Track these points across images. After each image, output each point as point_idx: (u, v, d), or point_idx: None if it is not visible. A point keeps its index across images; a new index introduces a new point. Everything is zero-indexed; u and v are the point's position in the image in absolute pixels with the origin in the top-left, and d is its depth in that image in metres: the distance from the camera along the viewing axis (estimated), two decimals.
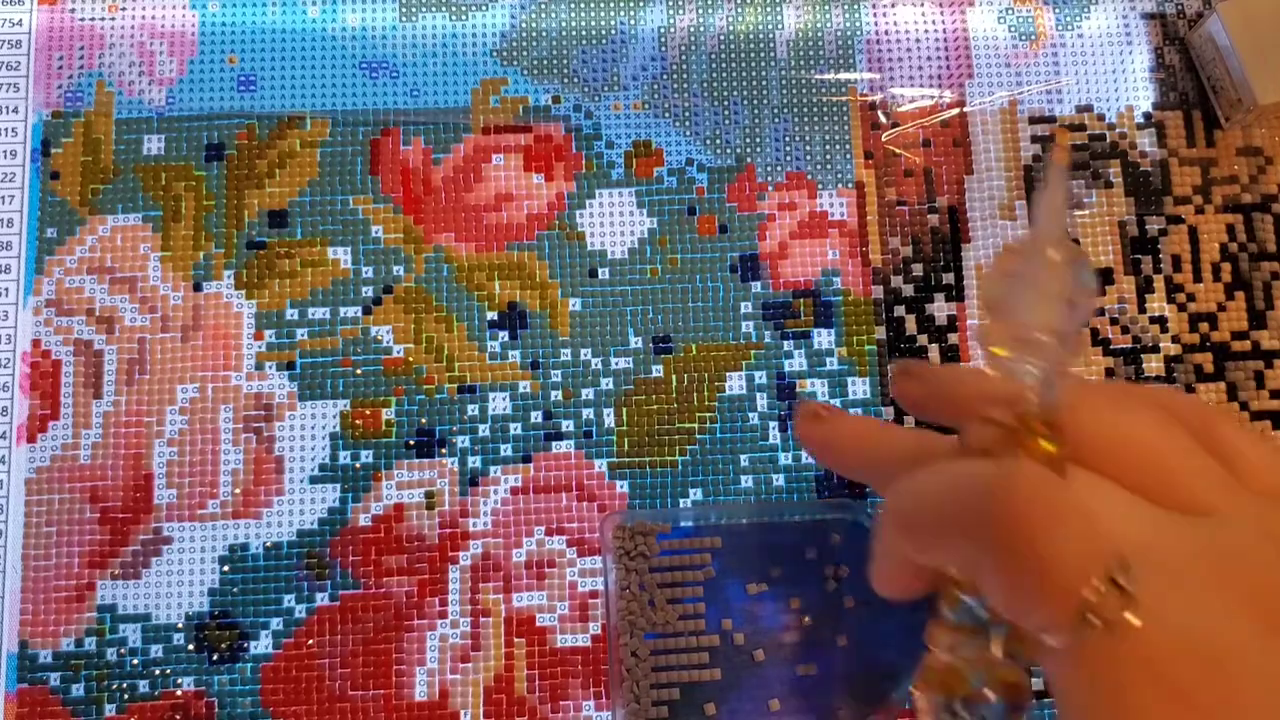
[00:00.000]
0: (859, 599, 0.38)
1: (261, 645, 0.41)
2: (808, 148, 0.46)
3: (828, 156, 0.46)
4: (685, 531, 0.39)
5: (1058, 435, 0.23)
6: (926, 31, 0.47)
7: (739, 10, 0.47)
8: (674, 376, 0.44)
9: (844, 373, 0.44)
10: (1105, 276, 0.45)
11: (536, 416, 0.43)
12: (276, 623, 0.41)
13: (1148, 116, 0.47)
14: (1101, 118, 0.47)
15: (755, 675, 0.38)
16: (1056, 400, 0.23)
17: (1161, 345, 0.45)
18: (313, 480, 0.43)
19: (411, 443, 0.43)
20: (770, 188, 0.45)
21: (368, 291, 0.44)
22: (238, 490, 0.42)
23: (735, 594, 0.38)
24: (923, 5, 0.47)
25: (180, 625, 0.41)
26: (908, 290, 0.45)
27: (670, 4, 0.47)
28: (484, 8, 0.46)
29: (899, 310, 0.45)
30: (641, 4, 0.47)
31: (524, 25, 0.46)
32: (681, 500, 0.43)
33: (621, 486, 0.43)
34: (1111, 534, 0.20)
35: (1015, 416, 0.23)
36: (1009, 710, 0.22)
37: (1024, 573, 0.20)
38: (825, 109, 0.46)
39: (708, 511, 0.41)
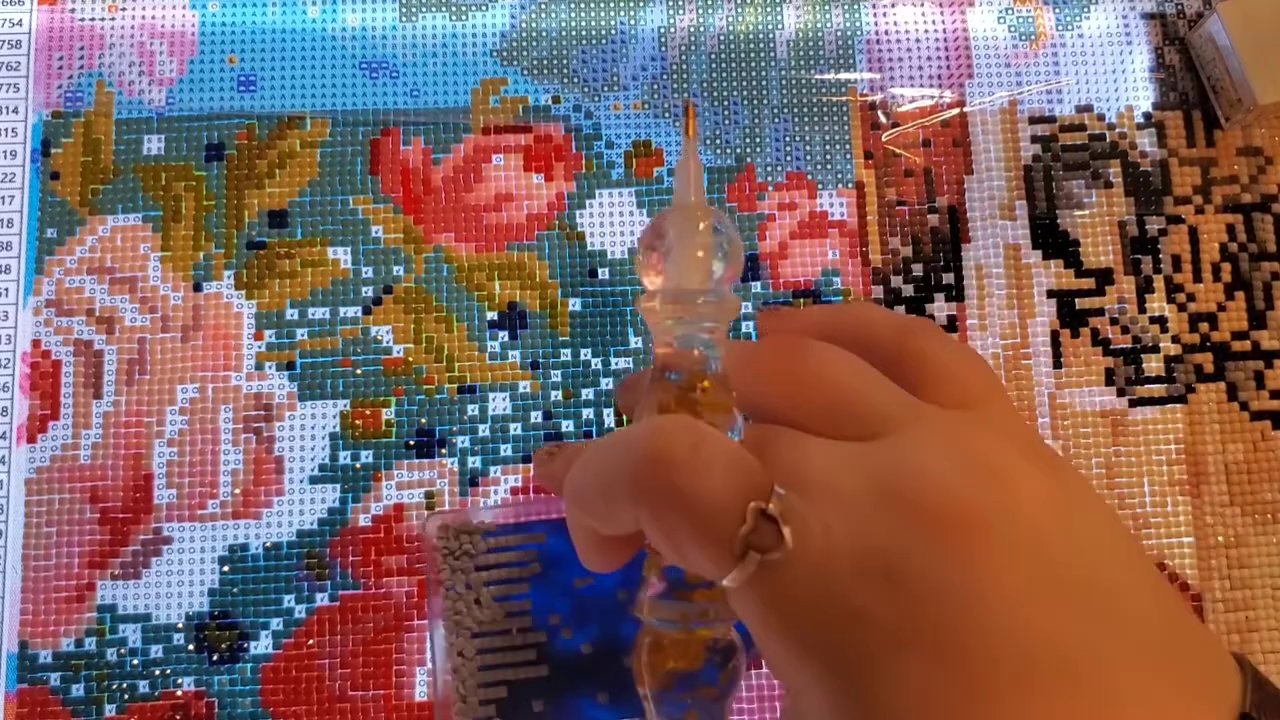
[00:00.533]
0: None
1: (261, 645, 0.41)
2: (808, 148, 0.46)
3: (828, 156, 0.46)
4: (510, 528, 0.39)
5: (723, 391, 0.23)
6: (926, 31, 0.47)
7: (739, 10, 0.47)
8: None
9: None
10: (1105, 276, 0.45)
11: (536, 416, 0.43)
12: (276, 623, 0.41)
13: (1148, 116, 0.47)
14: (1101, 118, 0.47)
15: (583, 669, 0.38)
16: (724, 355, 0.23)
17: (1161, 345, 0.45)
18: (313, 480, 0.43)
19: (411, 443, 0.43)
20: (770, 188, 0.45)
21: (368, 291, 0.44)
22: (238, 490, 0.42)
23: (562, 589, 0.38)
24: (923, 5, 0.47)
25: (180, 625, 0.41)
26: (908, 290, 0.45)
27: (670, 4, 0.47)
28: (484, 8, 0.46)
29: (899, 310, 0.45)
30: (641, 4, 0.47)
31: (524, 25, 0.46)
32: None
33: None
34: (767, 469, 0.20)
35: (684, 379, 0.23)
36: (716, 672, 0.22)
37: (677, 516, 0.20)
38: (825, 109, 0.46)
39: (533, 506, 0.40)
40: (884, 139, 0.46)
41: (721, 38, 0.47)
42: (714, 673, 0.23)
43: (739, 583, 0.20)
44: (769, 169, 0.46)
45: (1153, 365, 0.45)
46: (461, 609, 0.38)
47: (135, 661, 0.41)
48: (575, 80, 0.46)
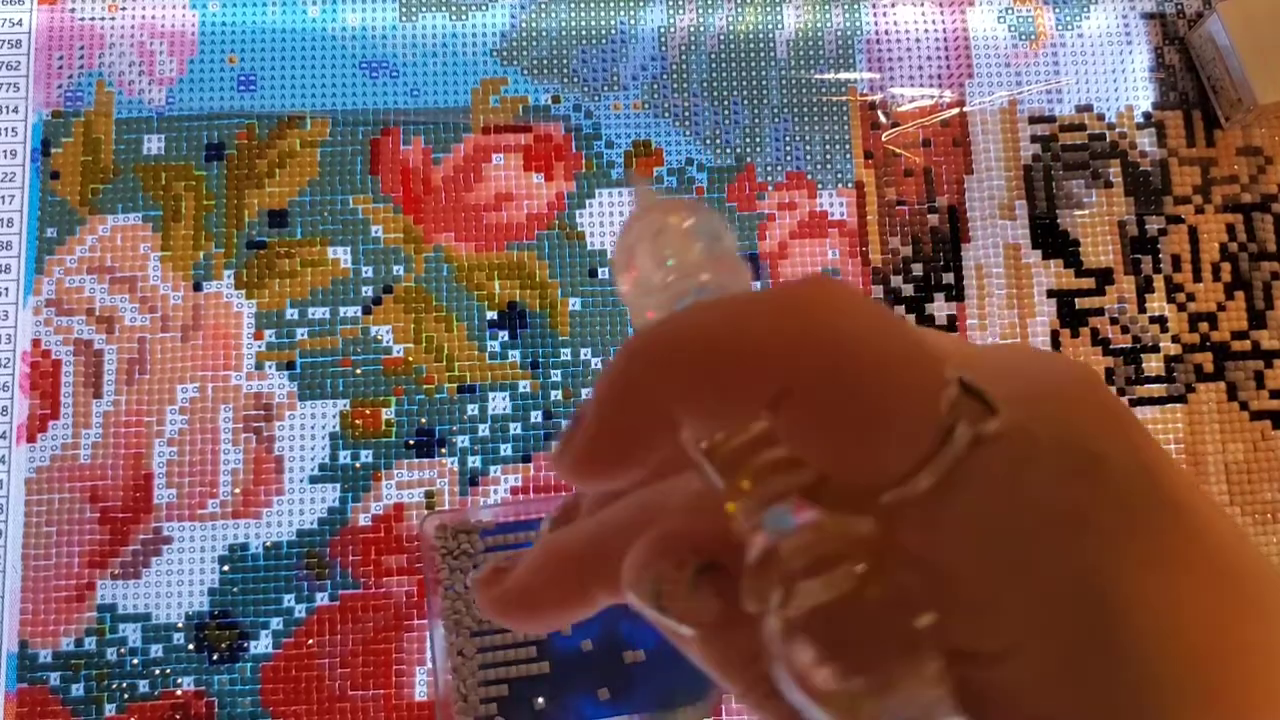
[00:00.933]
0: None
1: (261, 645, 0.41)
2: (808, 148, 0.46)
3: (828, 156, 0.46)
4: (508, 527, 0.39)
5: None
6: (926, 31, 0.47)
7: (739, 10, 0.47)
8: None
9: None
10: (1105, 276, 0.45)
11: (536, 416, 0.43)
12: (276, 622, 0.41)
13: (1148, 116, 0.47)
14: (1101, 117, 0.47)
15: (584, 666, 0.38)
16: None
17: (1161, 345, 0.45)
18: (313, 480, 0.43)
19: (411, 442, 0.43)
20: (770, 188, 0.45)
21: (368, 291, 0.44)
22: (238, 490, 0.42)
23: None
24: (923, 5, 0.47)
25: (180, 625, 0.41)
26: (908, 290, 0.45)
27: (670, 4, 0.47)
28: (484, 8, 0.46)
29: (899, 310, 0.45)
30: (641, 4, 0.47)
31: (524, 25, 0.46)
32: None
33: None
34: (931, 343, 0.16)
35: None
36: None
37: (870, 393, 0.15)
38: (825, 109, 0.46)
39: (531, 505, 0.40)
40: (884, 139, 0.46)
41: (721, 38, 0.47)
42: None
43: (943, 471, 0.15)
44: (769, 169, 0.46)
45: (1153, 365, 0.45)
46: (461, 608, 0.38)
47: (135, 661, 0.41)
48: (575, 80, 0.46)
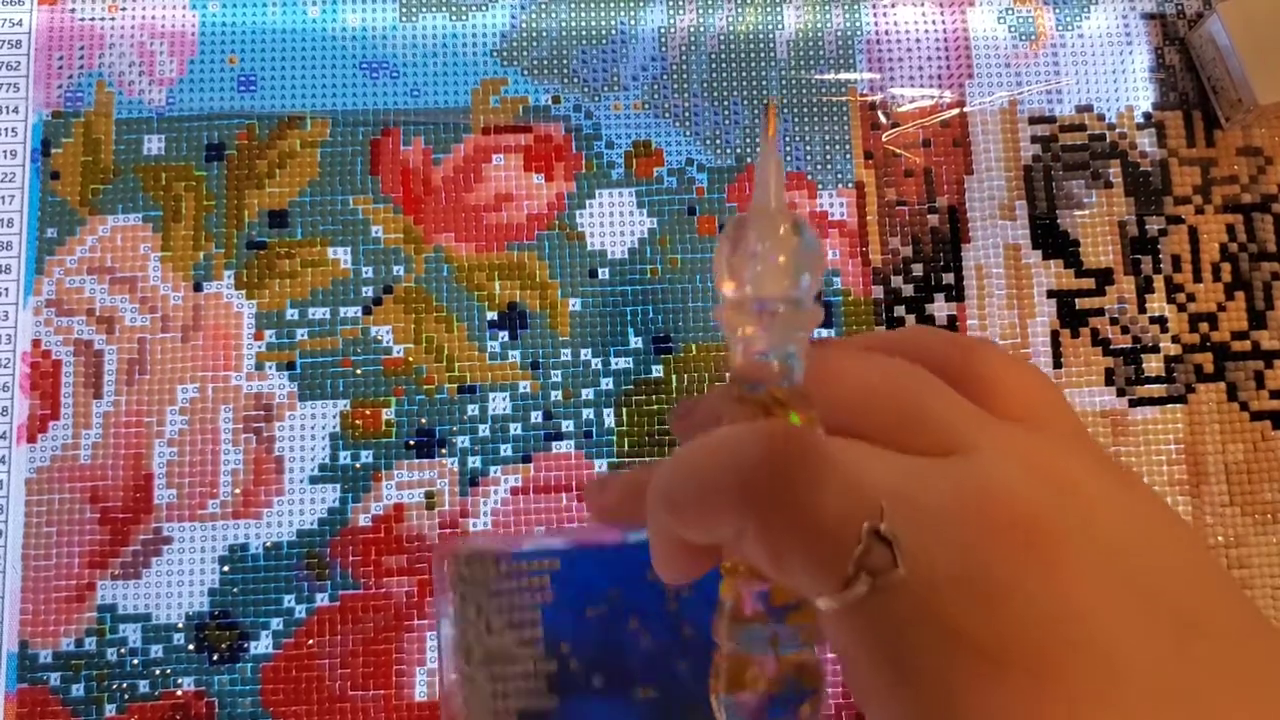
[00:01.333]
0: (700, 622, 0.38)
1: (261, 645, 0.41)
2: (808, 148, 0.46)
3: (828, 156, 0.46)
4: (523, 555, 0.39)
5: (805, 404, 0.22)
6: (926, 31, 0.47)
7: (739, 10, 0.47)
8: (674, 376, 0.44)
9: None
10: (1105, 276, 0.45)
11: (536, 416, 0.43)
12: (276, 623, 0.41)
13: (1148, 116, 0.47)
14: (1101, 118, 0.47)
15: (594, 700, 0.38)
16: (802, 370, 0.22)
17: (1161, 345, 0.45)
18: (313, 480, 0.43)
19: (411, 443, 0.43)
20: None
21: (368, 291, 0.44)
22: (238, 490, 0.42)
23: (573, 617, 0.38)
24: (923, 5, 0.47)
25: (180, 625, 0.41)
26: (908, 290, 0.45)
27: (670, 4, 0.47)
28: (484, 8, 0.47)
29: (899, 310, 0.45)
30: (641, 4, 0.47)
31: (524, 25, 0.46)
32: None
33: None
34: (868, 485, 0.19)
35: (765, 393, 0.22)
36: (806, 697, 0.21)
37: (789, 531, 0.19)
38: (825, 109, 0.46)
39: (547, 536, 0.40)
40: (884, 139, 0.46)
41: (721, 38, 0.47)
42: (799, 699, 0.21)
43: (843, 604, 0.19)
44: None
45: (1153, 365, 0.45)
46: (471, 637, 0.38)
47: (135, 661, 0.41)
48: (575, 80, 0.46)
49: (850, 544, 0.19)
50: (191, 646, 0.41)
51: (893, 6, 0.47)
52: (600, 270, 0.45)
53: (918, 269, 0.45)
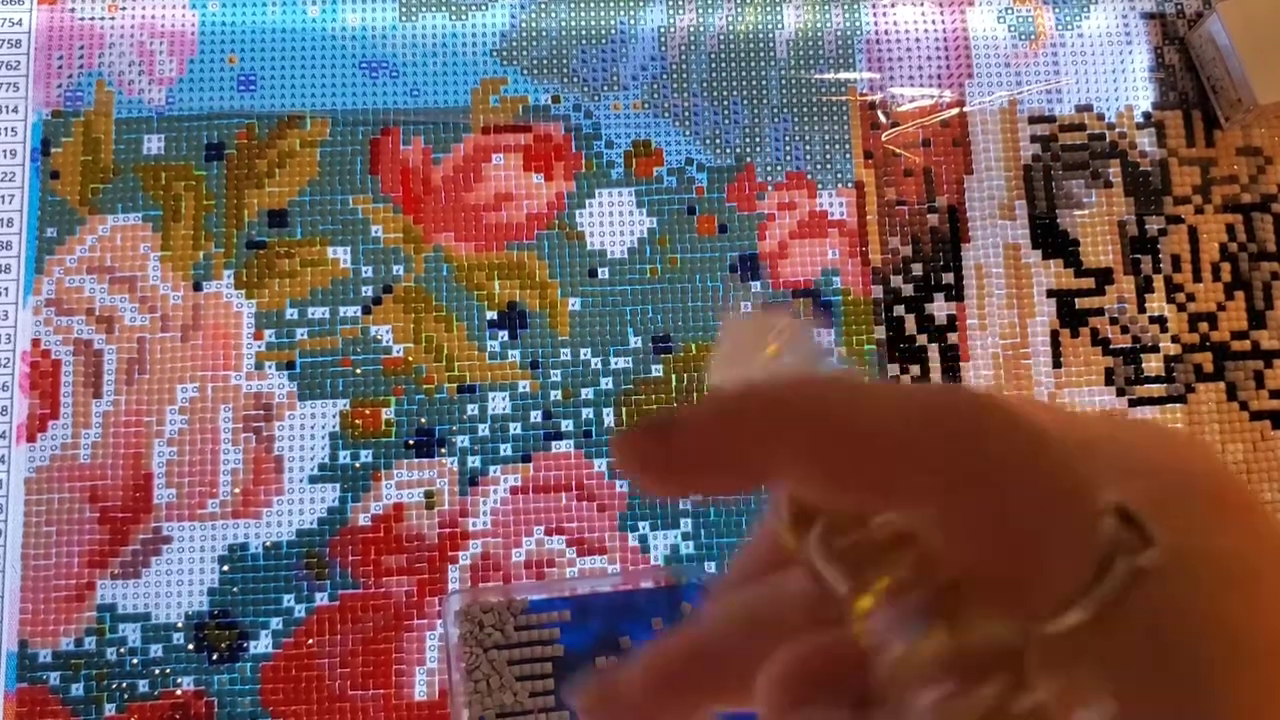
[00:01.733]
0: None
1: (261, 645, 0.41)
2: (808, 148, 0.46)
3: (828, 156, 0.46)
4: (534, 606, 0.39)
5: None
6: (926, 31, 0.47)
7: (739, 10, 0.47)
8: (674, 376, 0.44)
9: None
10: (1105, 276, 0.45)
11: (536, 416, 0.43)
12: (276, 622, 0.41)
13: (1148, 116, 0.47)
14: (1101, 117, 0.47)
15: None
16: None
17: (1161, 345, 0.45)
18: (312, 480, 0.43)
19: (411, 442, 0.43)
20: (770, 187, 0.45)
21: (367, 291, 0.44)
22: (237, 490, 0.42)
23: (584, 668, 0.38)
24: (923, 5, 0.47)
25: (180, 625, 0.41)
26: (907, 290, 0.45)
27: (670, 4, 0.47)
28: (484, 8, 0.47)
29: (899, 310, 0.45)
30: (641, 4, 0.47)
31: (524, 25, 0.46)
32: (680, 500, 0.43)
33: (621, 486, 0.43)
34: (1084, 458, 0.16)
35: None
36: None
37: (1031, 518, 0.14)
38: (825, 109, 0.46)
39: (555, 585, 0.40)
40: (884, 139, 0.46)
41: (721, 38, 0.47)
42: None
43: (1099, 605, 0.14)
44: (769, 169, 0.46)
45: (1152, 365, 0.45)
46: (484, 690, 0.38)
47: (135, 661, 0.41)
48: (575, 80, 0.46)
49: (1095, 529, 0.14)
50: (191, 646, 0.41)
51: (893, 6, 0.47)
52: (600, 270, 0.45)
53: (918, 268, 0.45)
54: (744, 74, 0.46)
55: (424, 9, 0.46)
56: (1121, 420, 0.19)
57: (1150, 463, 0.17)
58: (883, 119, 0.46)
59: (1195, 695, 0.15)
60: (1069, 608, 0.14)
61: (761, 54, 0.47)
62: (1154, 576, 0.14)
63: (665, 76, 0.46)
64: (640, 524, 0.42)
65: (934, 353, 0.45)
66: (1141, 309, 0.45)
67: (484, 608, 0.39)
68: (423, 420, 0.43)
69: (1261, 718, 0.15)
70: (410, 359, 0.44)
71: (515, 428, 0.43)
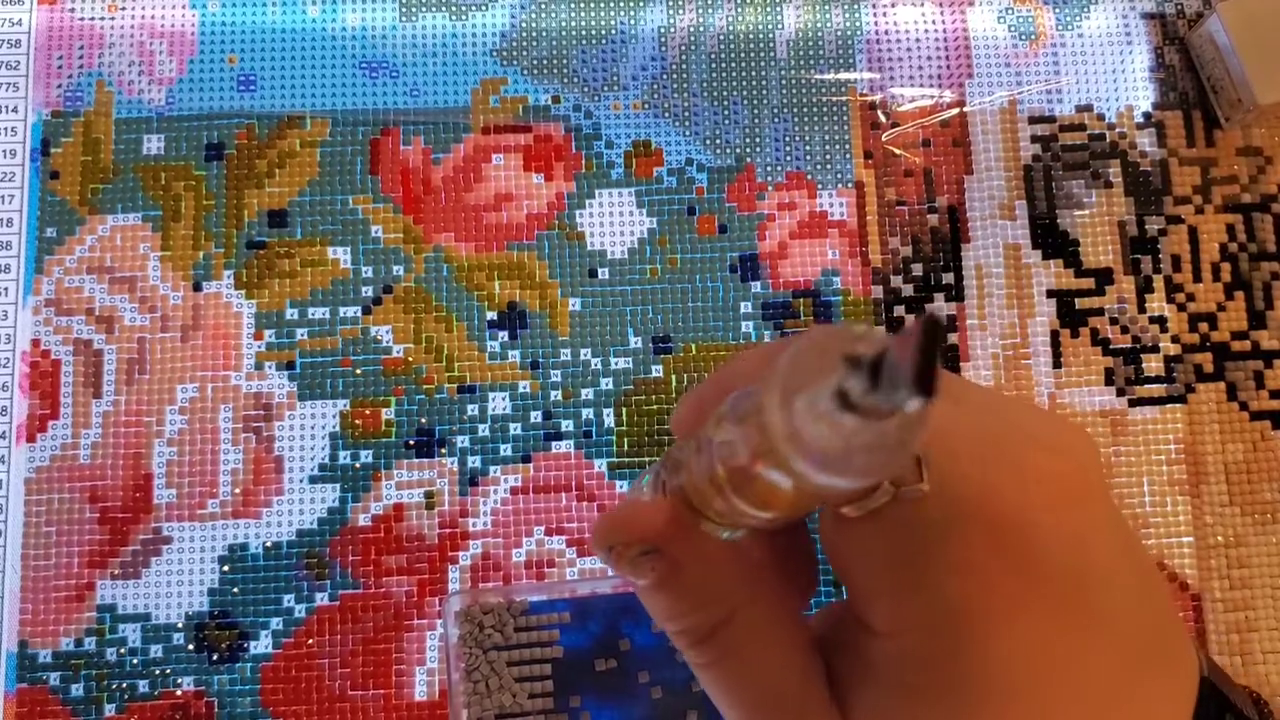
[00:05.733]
0: None
1: (261, 645, 0.41)
2: (807, 148, 0.46)
3: (827, 156, 0.46)
4: (532, 608, 0.39)
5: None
6: (926, 31, 0.47)
7: (739, 10, 0.47)
8: (674, 376, 0.44)
9: None
10: (1105, 276, 0.45)
11: (536, 416, 0.43)
12: (276, 623, 0.41)
13: (1148, 116, 0.47)
14: (1101, 117, 0.47)
15: None
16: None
17: (1161, 345, 0.45)
18: (312, 480, 0.43)
19: (411, 443, 0.43)
20: (770, 188, 0.45)
21: (367, 291, 0.44)
22: (237, 490, 0.42)
23: (583, 670, 0.38)
24: (923, 5, 0.47)
25: (180, 625, 0.41)
26: (907, 290, 0.45)
27: (670, 4, 0.47)
28: (484, 8, 0.46)
29: (899, 310, 0.45)
30: (641, 4, 0.47)
31: (524, 25, 0.46)
32: None
33: (621, 486, 0.43)
34: None
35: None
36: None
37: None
38: (825, 109, 0.46)
39: (555, 586, 0.40)
40: (884, 139, 0.46)
41: (721, 38, 0.47)
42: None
43: (862, 511, 0.20)
44: (769, 169, 0.46)
45: (1152, 365, 0.45)
46: (483, 691, 0.38)
47: (135, 661, 0.41)
48: (575, 80, 0.46)
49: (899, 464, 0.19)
50: (191, 646, 0.41)
51: (893, 6, 0.47)
52: (600, 270, 0.45)
53: (917, 269, 0.45)
54: (744, 74, 0.46)
55: (424, 9, 0.46)
56: (1022, 403, 0.23)
57: (1004, 432, 0.21)
58: (883, 119, 0.46)
59: (929, 612, 0.20)
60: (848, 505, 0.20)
61: (761, 54, 0.47)
62: (920, 501, 0.19)
63: (665, 76, 0.46)
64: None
65: None
66: (1141, 309, 0.45)
67: (484, 608, 0.39)
68: (423, 420, 0.43)
69: (903, 615, 0.20)
70: (410, 359, 0.44)
71: (515, 428, 0.43)
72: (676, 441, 0.23)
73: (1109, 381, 0.45)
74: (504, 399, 0.43)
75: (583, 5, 0.47)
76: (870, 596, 0.21)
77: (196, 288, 0.44)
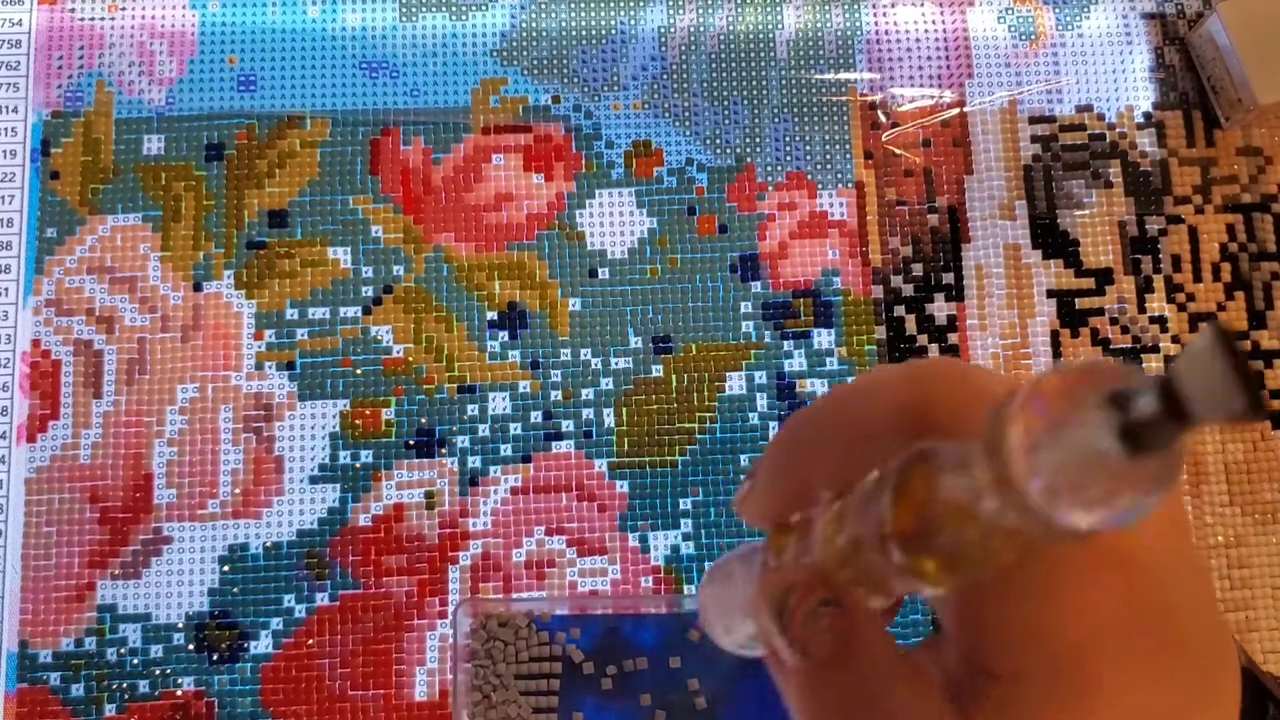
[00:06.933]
0: (713, 694, 0.38)
1: (261, 645, 0.41)
2: (808, 148, 0.46)
3: (828, 156, 0.46)
4: (541, 624, 0.39)
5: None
6: (926, 31, 0.47)
7: (739, 10, 0.47)
8: (674, 376, 0.44)
9: (844, 373, 0.44)
10: (1105, 276, 0.45)
11: (536, 416, 0.43)
12: (276, 623, 0.41)
13: (1148, 116, 0.47)
14: (1101, 117, 0.47)
15: None
16: None
17: (1161, 345, 0.45)
18: (313, 480, 0.43)
19: (411, 443, 0.43)
20: (770, 188, 0.45)
21: (368, 291, 0.44)
22: (238, 490, 0.42)
23: (589, 687, 0.38)
24: (923, 5, 0.47)
25: (180, 625, 0.41)
26: (908, 290, 0.45)
27: (670, 4, 0.47)
28: (484, 8, 0.46)
29: (899, 310, 0.45)
30: (641, 4, 0.47)
31: (524, 25, 0.46)
32: (681, 500, 0.43)
33: (621, 486, 0.43)
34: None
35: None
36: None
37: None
38: (825, 109, 0.46)
39: (564, 602, 0.40)
40: (884, 139, 0.46)
41: (721, 38, 0.47)
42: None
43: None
44: (769, 169, 0.46)
45: (1153, 365, 0.45)
46: (488, 702, 0.38)
47: (135, 661, 0.41)
48: (575, 80, 0.46)
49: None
50: (191, 646, 0.41)
51: (893, 6, 0.47)
52: (600, 270, 0.45)
53: (918, 269, 0.45)
54: (744, 74, 0.46)
55: (424, 9, 0.46)
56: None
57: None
58: (883, 119, 0.46)
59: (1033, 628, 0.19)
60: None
61: (761, 54, 0.47)
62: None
63: (665, 76, 0.46)
64: (640, 524, 0.42)
65: (934, 353, 0.45)
66: (1141, 309, 0.45)
67: (492, 617, 0.39)
68: (423, 420, 0.43)
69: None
70: (410, 359, 0.44)
71: (515, 428, 0.43)
72: (772, 532, 0.21)
73: None
74: (504, 399, 0.43)
75: (583, 5, 0.47)
76: (987, 632, 0.19)
77: (197, 288, 0.44)
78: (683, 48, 0.47)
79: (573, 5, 0.47)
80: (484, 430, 0.43)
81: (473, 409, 0.43)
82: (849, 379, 0.44)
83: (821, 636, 0.19)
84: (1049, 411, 0.15)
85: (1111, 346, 0.45)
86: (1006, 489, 0.16)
